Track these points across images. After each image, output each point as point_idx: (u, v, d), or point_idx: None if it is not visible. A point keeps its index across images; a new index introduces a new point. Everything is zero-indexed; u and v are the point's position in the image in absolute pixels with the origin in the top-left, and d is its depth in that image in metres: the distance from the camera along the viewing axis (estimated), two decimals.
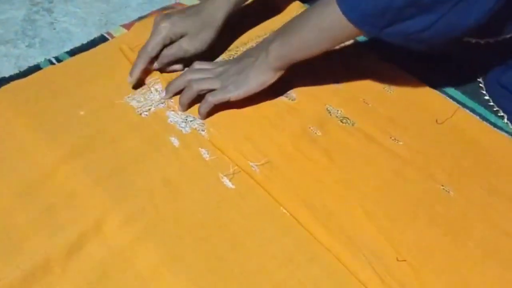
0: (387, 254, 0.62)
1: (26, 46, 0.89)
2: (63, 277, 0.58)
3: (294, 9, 0.92)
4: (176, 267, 0.59)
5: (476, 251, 0.63)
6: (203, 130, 0.73)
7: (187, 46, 0.78)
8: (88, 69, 0.80)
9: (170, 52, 0.79)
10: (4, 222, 0.62)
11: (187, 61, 0.80)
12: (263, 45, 0.74)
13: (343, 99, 0.78)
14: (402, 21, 0.65)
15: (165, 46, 0.78)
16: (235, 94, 0.73)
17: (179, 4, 0.95)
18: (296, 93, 0.78)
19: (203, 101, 0.73)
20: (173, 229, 0.63)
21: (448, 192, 0.68)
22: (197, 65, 0.78)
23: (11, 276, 0.57)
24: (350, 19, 0.66)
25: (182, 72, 0.78)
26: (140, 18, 0.91)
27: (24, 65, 0.83)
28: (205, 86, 0.74)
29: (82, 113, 0.74)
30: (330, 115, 0.76)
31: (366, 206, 0.66)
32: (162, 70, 0.80)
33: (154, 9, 0.94)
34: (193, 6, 0.82)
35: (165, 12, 0.80)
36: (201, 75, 0.75)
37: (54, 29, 0.93)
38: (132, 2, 0.99)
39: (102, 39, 0.87)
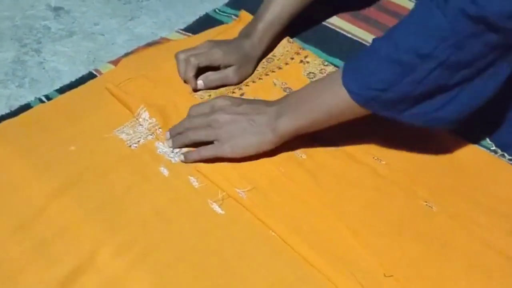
0: (375, 270, 0.63)
1: (16, 86, 0.90)
2: None
3: (280, 42, 0.96)
4: None
5: (460, 263, 0.64)
6: None
7: (233, 76, 0.86)
8: (78, 106, 0.82)
9: (217, 77, 0.85)
10: None
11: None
12: (266, 118, 0.73)
13: None
14: (421, 103, 0.66)
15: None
16: (228, 155, 0.73)
17: (165, 39, 0.98)
18: None
19: (194, 151, 0.74)
20: (165, 256, 0.64)
21: (431, 207, 0.70)
22: (194, 110, 0.77)
23: None
24: (368, 109, 0.68)
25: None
26: (127, 54, 0.93)
27: (15, 105, 0.84)
28: (201, 138, 0.74)
29: (72, 148, 0.75)
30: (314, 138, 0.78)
31: (352, 225, 0.67)
32: (196, 90, 0.85)
33: (140, 45, 0.96)
34: (229, 41, 0.89)
35: (209, 40, 0.88)
36: (199, 122, 0.75)
37: (43, 68, 0.94)
38: (118, 40, 1.01)
39: (90, 76, 0.88)
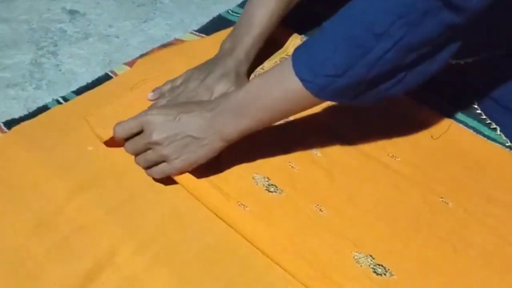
0: (391, 267, 0.64)
1: (34, 88, 0.91)
2: None
3: (293, 41, 0.96)
4: None
5: (477, 258, 0.64)
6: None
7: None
8: (94, 106, 0.83)
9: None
10: (20, 254, 0.64)
11: None
12: (210, 125, 0.68)
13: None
14: (374, 87, 0.64)
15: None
16: (179, 170, 0.69)
17: (179, 40, 0.99)
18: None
19: (150, 171, 0.71)
20: (183, 254, 0.65)
21: (447, 203, 0.70)
22: (121, 130, 0.72)
23: None
24: (322, 98, 0.65)
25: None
26: (141, 56, 0.94)
27: (33, 106, 0.85)
28: (152, 163, 0.70)
29: (90, 148, 0.76)
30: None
31: (369, 221, 0.68)
32: None
33: (154, 46, 0.98)
34: (210, 68, 0.84)
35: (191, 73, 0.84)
36: (139, 147, 0.71)
37: (60, 70, 0.96)
38: (132, 41, 1.02)
39: (106, 78, 0.90)
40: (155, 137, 0.68)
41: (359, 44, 0.60)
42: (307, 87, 0.63)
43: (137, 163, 0.71)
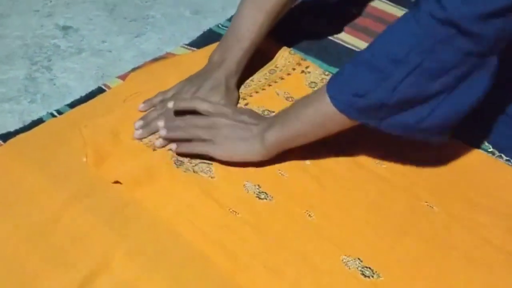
0: (378, 269, 0.67)
1: (29, 102, 0.92)
2: None
3: (281, 54, 0.98)
4: None
5: (460, 259, 0.67)
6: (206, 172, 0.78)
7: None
8: (88, 119, 0.85)
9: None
10: (16, 263, 0.66)
11: None
12: (259, 128, 0.75)
13: None
14: (400, 112, 0.68)
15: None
16: (217, 156, 0.76)
17: (170, 54, 1.01)
18: None
19: (187, 144, 0.78)
20: (176, 258, 0.67)
21: (432, 207, 0.73)
22: (200, 105, 0.80)
23: None
24: (347, 115, 0.69)
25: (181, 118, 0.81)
26: (134, 69, 0.96)
27: (28, 120, 0.86)
28: (199, 135, 0.77)
29: (84, 159, 0.78)
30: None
31: (356, 226, 0.70)
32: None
33: (147, 60, 0.99)
34: (201, 81, 0.87)
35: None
36: (202, 122, 0.78)
37: (54, 84, 0.97)
38: (125, 56, 1.03)
39: (99, 91, 0.91)
40: (220, 118, 0.77)
41: (380, 69, 0.67)
42: (333, 104, 0.69)
43: (177, 133, 0.79)
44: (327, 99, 0.70)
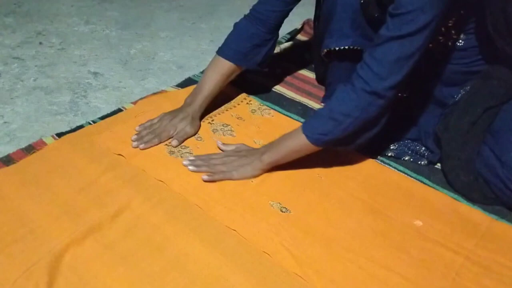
0: (289, 207, 0.84)
1: (73, 116, 1.06)
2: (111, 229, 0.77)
3: (240, 97, 1.11)
4: None
5: (336, 205, 0.85)
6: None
7: (190, 131, 0.97)
8: (111, 126, 0.98)
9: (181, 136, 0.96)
10: (71, 204, 0.80)
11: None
12: (257, 154, 0.87)
13: None
14: (345, 140, 0.81)
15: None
16: (235, 178, 0.87)
17: (164, 91, 1.14)
18: None
19: (210, 175, 0.86)
20: (169, 197, 0.82)
21: (321, 177, 0.90)
22: (225, 148, 0.92)
23: (77, 231, 0.75)
24: (316, 145, 0.83)
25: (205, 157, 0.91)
26: (141, 99, 1.10)
27: (73, 126, 1.00)
28: (217, 168, 0.88)
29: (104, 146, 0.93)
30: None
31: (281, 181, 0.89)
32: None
33: (149, 94, 1.12)
34: (178, 111, 0.98)
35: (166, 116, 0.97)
36: (219, 160, 0.89)
37: (89, 106, 1.09)
38: (135, 91, 1.16)
39: (119, 110, 1.06)
40: (229, 156, 0.87)
41: (335, 119, 0.81)
42: (308, 139, 0.83)
43: (202, 168, 0.87)
44: (303, 136, 0.83)
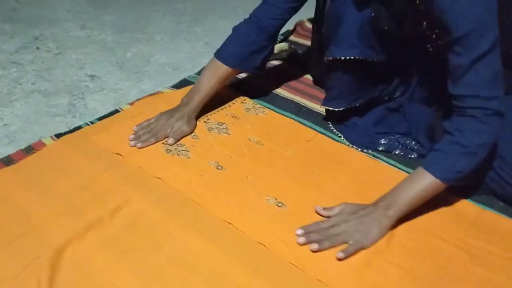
0: (285, 202, 0.86)
1: (71, 117, 1.08)
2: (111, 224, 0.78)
3: (236, 100, 1.12)
4: None
5: (330, 197, 0.87)
6: (184, 155, 0.95)
7: (187, 129, 0.98)
8: (109, 127, 1.00)
9: (178, 134, 0.97)
10: (72, 202, 0.82)
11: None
12: (379, 211, 0.77)
13: None
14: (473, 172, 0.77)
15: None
16: (366, 246, 0.77)
17: (159, 92, 1.16)
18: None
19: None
20: (166, 193, 0.84)
21: (314, 172, 0.93)
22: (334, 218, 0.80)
23: (78, 227, 0.77)
24: (449, 184, 0.77)
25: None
26: (137, 100, 1.12)
27: (71, 127, 1.02)
28: (337, 243, 0.77)
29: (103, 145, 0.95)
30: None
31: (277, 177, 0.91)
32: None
33: (145, 95, 1.13)
34: (175, 111, 0.99)
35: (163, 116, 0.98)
36: (332, 232, 0.77)
37: (87, 107, 1.11)
38: (131, 92, 1.18)
39: (116, 111, 1.07)
40: (345, 224, 0.77)
41: (471, 152, 0.77)
42: (442, 181, 0.77)
43: (315, 246, 0.76)
44: (434, 180, 0.77)
